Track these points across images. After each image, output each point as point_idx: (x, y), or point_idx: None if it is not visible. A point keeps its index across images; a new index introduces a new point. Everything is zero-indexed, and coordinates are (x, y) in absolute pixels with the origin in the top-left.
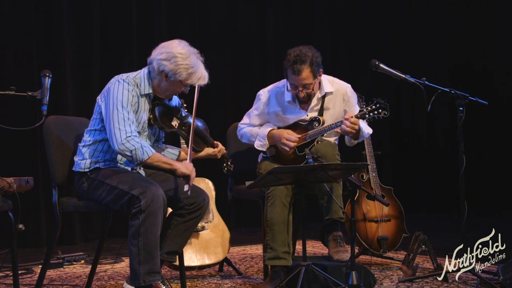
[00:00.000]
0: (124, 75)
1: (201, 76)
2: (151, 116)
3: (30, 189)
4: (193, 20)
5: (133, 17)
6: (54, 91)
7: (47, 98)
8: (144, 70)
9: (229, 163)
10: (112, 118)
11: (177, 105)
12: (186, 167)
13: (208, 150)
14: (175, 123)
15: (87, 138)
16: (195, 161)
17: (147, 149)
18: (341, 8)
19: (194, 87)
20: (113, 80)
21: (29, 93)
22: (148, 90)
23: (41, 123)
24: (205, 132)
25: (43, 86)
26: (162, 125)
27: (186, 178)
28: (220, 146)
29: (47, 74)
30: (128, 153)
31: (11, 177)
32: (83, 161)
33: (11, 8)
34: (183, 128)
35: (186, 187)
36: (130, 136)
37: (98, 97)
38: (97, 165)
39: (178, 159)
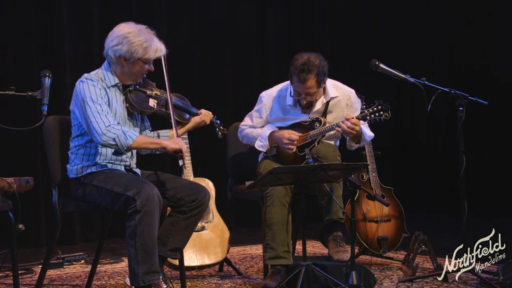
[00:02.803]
0: (85, 74)
1: (157, 48)
2: (127, 104)
3: (30, 189)
4: (193, 20)
5: (133, 17)
6: (54, 91)
7: (47, 98)
8: (104, 65)
9: (221, 127)
10: (87, 114)
11: (148, 85)
12: (175, 142)
13: (195, 120)
14: (152, 103)
15: (72, 145)
16: (196, 158)
17: (130, 134)
18: (341, 8)
19: (160, 63)
20: (76, 83)
21: (29, 93)
22: (114, 81)
23: (41, 123)
24: (185, 103)
25: (43, 86)
26: (141, 109)
27: (178, 153)
28: (204, 111)
29: (47, 74)
30: (112, 142)
31: (11, 177)
32: (74, 167)
33: (11, 8)
34: (161, 105)
35: (180, 162)
36: (109, 126)
37: (70, 106)
38: (89, 170)
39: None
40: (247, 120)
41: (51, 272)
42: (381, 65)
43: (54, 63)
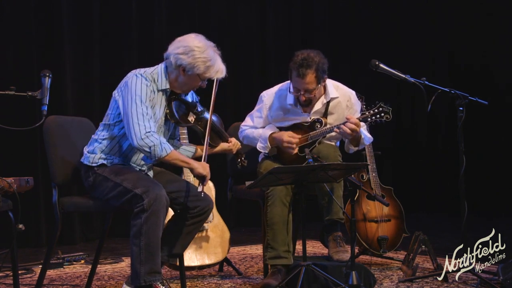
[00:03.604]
0: (141, 70)
1: (219, 69)
2: (168, 111)
3: (30, 189)
4: (193, 20)
5: (133, 17)
6: (54, 91)
7: (47, 98)
8: (161, 66)
9: (242, 158)
10: (131, 113)
11: (194, 100)
12: (203, 167)
13: (223, 145)
14: (191, 118)
15: (101, 132)
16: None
17: (166, 146)
18: (341, 8)
19: (212, 81)
20: (130, 74)
21: (29, 93)
22: (165, 85)
23: (41, 123)
24: (220, 127)
25: (43, 86)
26: (178, 120)
27: (202, 178)
28: (234, 141)
29: (47, 74)
30: (147, 149)
31: (11, 177)
32: (92, 155)
33: (11, 8)
34: (199, 123)
35: (200, 188)
36: (149, 132)
37: (115, 92)
38: (104, 161)
39: (194, 156)
40: (247, 121)
41: (51, 272)
42: (381, 65)
43: (54, 63)
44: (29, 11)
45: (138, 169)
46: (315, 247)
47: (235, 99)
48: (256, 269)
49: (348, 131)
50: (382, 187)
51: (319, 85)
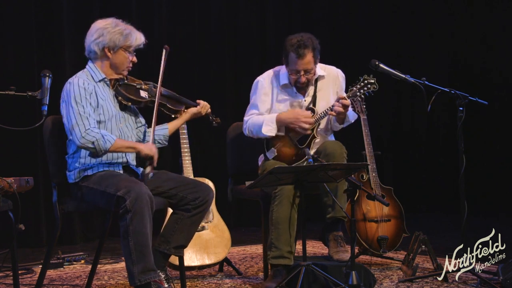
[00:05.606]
0: (72, 76)
1: (137, 36)
2: (120, 97)
3: (30, 189)
4: (193, 19)
5: (133, 17)
6: (54, 91)
7: (47, 98)
8: (88, 64)
9: (214, 116)
10: (69, 116)
11: (135, 80)
12: (149, 148)
13: (191, 110)
14: (144, 94)
15: (69, 149)
16: (196, 158)
17: (109, 138)
18: (341, 8)
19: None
20: (65, 85)
21: (29, 93)
22: (100, 75)
23: (41, 123)
24: (176, 94)
25: (43, 86)
26: (134, 99)
27: (150, 159)
28: (202, 103)
29: (47, 74)
30: (91, 145)
31: (11, 177)
32: (71, 172)
33: (11, 8)
34: (153, 96)
35: (148, 169)
36: (88, 129)
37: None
38: (85, 173)
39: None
40: (251, 111)
41: (51, 272)
42: (381, 65)
43: (54, 63)
44: (29, 11)
45: (120, 165)
46: (315, 247)
47: (235, 99)
48: (256, 269)
49: (341, 109)
50: (382, 187)
51: (316, 65)
